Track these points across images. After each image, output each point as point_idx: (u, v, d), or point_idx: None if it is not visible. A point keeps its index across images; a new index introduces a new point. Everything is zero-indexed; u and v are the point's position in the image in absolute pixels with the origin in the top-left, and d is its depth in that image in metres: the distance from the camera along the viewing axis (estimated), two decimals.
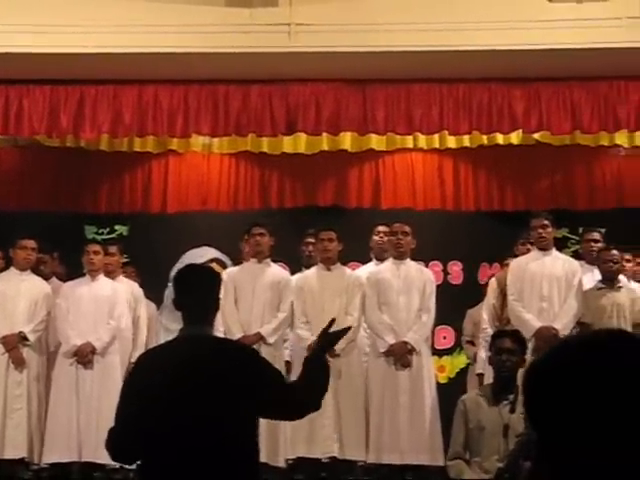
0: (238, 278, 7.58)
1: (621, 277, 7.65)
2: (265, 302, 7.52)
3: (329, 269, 7.61)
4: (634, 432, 1.33)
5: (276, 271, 7.76)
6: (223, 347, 3.75)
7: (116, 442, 3.47)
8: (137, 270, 8.69)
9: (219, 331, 6.40)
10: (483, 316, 7.79)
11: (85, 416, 7.35)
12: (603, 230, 8.23)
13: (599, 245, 7.93)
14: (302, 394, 3.60)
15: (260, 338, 7.31)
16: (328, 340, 3.78)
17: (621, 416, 1.34)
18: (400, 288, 7.49)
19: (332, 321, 3.77)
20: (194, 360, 3.44)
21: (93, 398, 7.39)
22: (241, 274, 7.65)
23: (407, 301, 7.46)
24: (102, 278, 7.81)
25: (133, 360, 7.43)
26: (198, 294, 3.62)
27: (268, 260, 7.73)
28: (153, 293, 8.39)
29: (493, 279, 7.98)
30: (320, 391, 3.64)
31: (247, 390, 3.41)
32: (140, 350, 7.43)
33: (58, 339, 7.64)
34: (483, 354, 7.16)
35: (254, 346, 6.93)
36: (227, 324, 7.32)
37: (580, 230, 8.85)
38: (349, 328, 4.09)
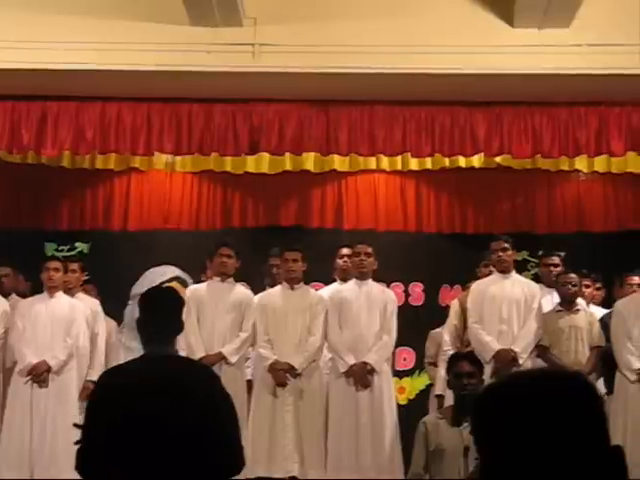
0: (201, 297, 7.54)
1: (579, 300, 7.72)
2: (228, 321, 7.49)
3: (293, 288, 7.60)
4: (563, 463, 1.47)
5: (239, 290, 7.74)
6: (188, 368, 3.76)
7: (86, 464, 3.45)
8: (97, 288, 8.63)
9: (182, 349, 6.36)
10: (445, 337, 7.81)
11: (39, 434, 7.27)
12: (562, 254, 8.30)
13: (558, 269, 8.00)
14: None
15: (222, 358, 7.27)
16: None
17: (552, 451, 1.48)
18: (361, 308, 7.49)
19: None
20: (160, 380, 3.45)
21: (48, 416, 7.31)
22: (204, 293, 7.61)
23: (368, 321, 7.47)
24: (60, 295, 7.74)
25: (89, 378, 7.40)
26: (163, 315, 3.68)
27: (231, 279, 7.72)
28: (114, 311, 8.33)
29: (455, 301, 8.01)
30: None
31: (207, 412, 3.40)
32: (98, 368, 7.38)
33: (14, 357, 7.56)
34: (444, 375, 7.18)
35: (216, 365, 6.93)
36: (189, 343, 7.28)
37: (540, 253, 8.92)
38: None
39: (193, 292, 7.60)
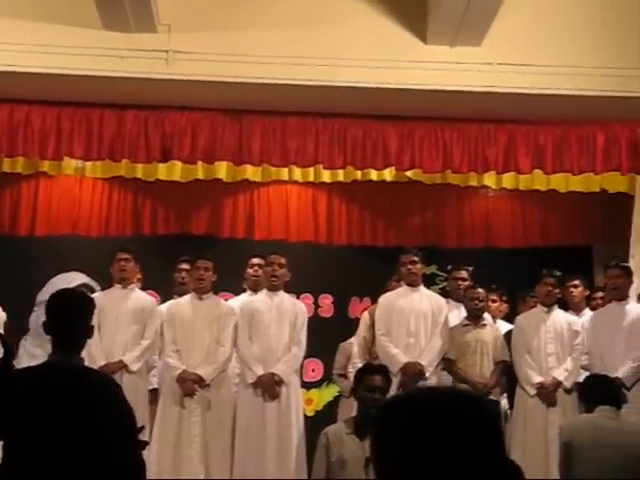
0: (101, 304, 7.40)
1: (486, 315, 7.84)
2: (129, 329, 7.41)
3: (201, 298, 7.55)
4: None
5: (141, 297, 7.67)
6: (89, 379, 3.64)
7: None
8: (2, 293, 8.43)
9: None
10: (354, 349, 7.85)
11: None
12: (470, 268, 8.41)
13: (466, 283, 8.11)
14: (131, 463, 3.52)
15: (123, 366, 7.19)
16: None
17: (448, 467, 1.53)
18: (272, 319, 7.49)
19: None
20: (58, 391, 3.37)
21: None
22: (105, 300, 7.44)
23: (278, 332, 7.47)
24: None
25: None
26: (71, 320, 3.57)
27: (133, 286, 7.63)
28: (18, 317, 8.16)
29: (366, 313, 8.05)
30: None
31: (106, 423, 3.35)
32: None
33: None
34: None
35: (117, 374, 6.83)
36: (89, 351, 7.16)
37: (449, 267, 9.04)
38: None
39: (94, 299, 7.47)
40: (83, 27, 7.37)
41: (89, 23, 7.29)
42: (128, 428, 3.53)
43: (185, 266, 8.03)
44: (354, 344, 7.94)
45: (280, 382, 7.30)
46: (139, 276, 8.17)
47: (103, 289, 8.09)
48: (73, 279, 9.32)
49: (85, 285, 9.28)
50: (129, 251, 7.65)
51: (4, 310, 7.96)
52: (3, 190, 9.80)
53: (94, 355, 7.14)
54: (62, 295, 3.79)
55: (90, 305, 3.79)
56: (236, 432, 7.31)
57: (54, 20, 7.36)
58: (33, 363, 3.78)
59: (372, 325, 7.72)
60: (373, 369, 5.88)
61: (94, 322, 7.06)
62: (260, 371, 7.29)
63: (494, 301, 8.46)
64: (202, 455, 7.18)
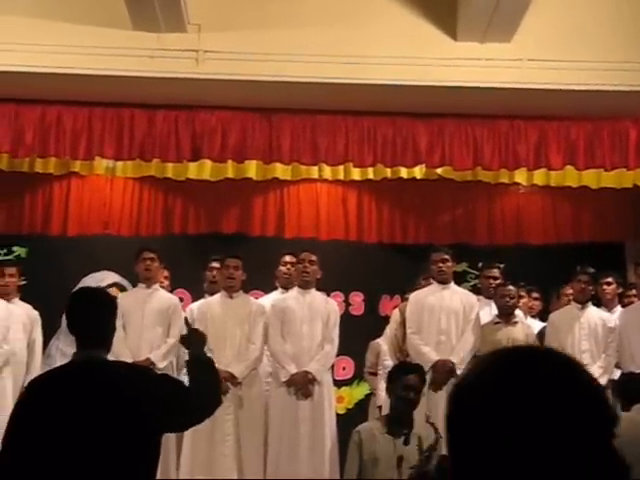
0: (126, 304, 7.46)
1: (517, 312, 7.80)
2: (154, 327, 7.45)
3: (232, 297, 7.57)
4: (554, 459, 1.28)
5: (165, 296, 7.73)
6: (116, 372, 3.63)
7: (2, 468, 3.37)
8: (35, 293, 8.50)
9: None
10: (383, 347, 7.84)
11: None
12: (502, 266, 8.38)
13: (497, 281, 8.07)
14: (200, 394, 3.58)
15: (150, 364, 7.22)
16: (191, 341, 3.81)
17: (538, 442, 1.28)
18: (304, 317, 7.49)
19: (186, 320, 4.02)
20: (87, 387, 3.37)
21: None
22: (129, 300, 7.55)
23: (310, 331, 7.47)
24: None
25: (26, 385, 7.28)
26: (91, 317, 3.56)
27: (157, 285, 7.68)
28: (50, 317, 8.22)
29: (395, 311, 8.04)
30: (214, 385, 3.68)
31: (148, 411, 3.35)
32: (35, 375, 7.27)
33: None
34: (383, 386, 7.21)
35: None
36: (115, 351, 7.18)
37: (479, 265, 8.99)
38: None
39: (118, 300, 7.51)
40: (113, 28, 7.40)
41: (119, 24, 7.32)
42: (177, 388, 3.56)
43: (215, 265, 8.05)
44: (384, 342, 7.93)
45: (313, 380, 7.30)
46: (166, 274, 8.21)
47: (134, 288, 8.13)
48: (104, 278, 9.42)
49: (116, 284, 9.37)
50: (154, 251, 7.70)
51: (37, 309, 8.03)
52: (36, 190, 9.88)
53: (120, 354, 7.17)
54: (80, 294, 3.81)
55: (111, 302, 3.78)
56: (269, 431, 7.32)
57: (84, 21, 7.40)
58: (65, 362, 3.79)
59: (402, 323, 7.70)
60: (409, 368, 5.87)
61: (119, 322, 7.22)
62: (293, 369, 7.30)
63: (521, 297, 8.41)
64: (235, 453, 7.20)
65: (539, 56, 7.49)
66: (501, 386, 1.32)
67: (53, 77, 7.39)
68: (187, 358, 3.87)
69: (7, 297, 7.80)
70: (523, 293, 8.44)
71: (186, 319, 4.03)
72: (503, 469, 1.28)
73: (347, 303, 9.97)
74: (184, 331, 4.02)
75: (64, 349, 7.85)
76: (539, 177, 9.19)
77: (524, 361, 1.36)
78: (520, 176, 9.25)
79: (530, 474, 1.27)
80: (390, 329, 7.86)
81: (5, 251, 9.78)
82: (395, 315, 7.93)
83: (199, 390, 3.57)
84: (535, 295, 8.78)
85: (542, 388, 1.30)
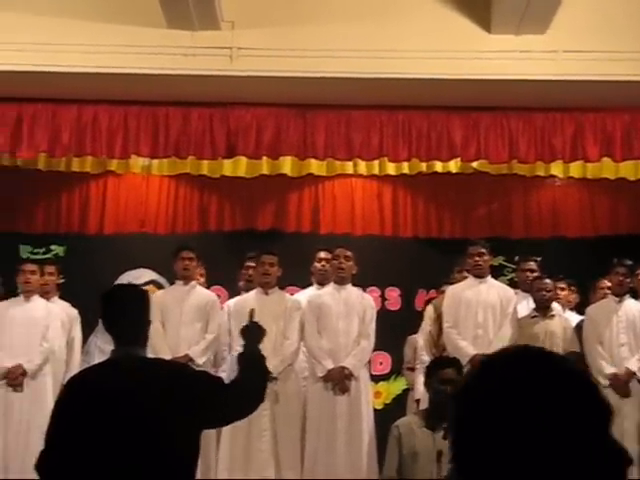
0: (165, 301, 7.53)
1: (555, 305, 7.75)
2: (193, 324, 7.49)
3: (267, 293, 7.59)
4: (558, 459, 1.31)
5: (203, 292, 7.78)
6: (154, 368, 3.64)
7: (46, 465, 3.40)
8: (73, 291, 8.57)
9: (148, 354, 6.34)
10: (419, 342, 7.82)
11: (14, 438, 7.24)
12: (538, 259, 8.33)
13: (534, 274, 8.02)
14: (244, 390, 3.59)
15: (189, 360, 7.26)
16: (250, 334, 3.84)
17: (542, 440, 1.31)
18: (340, 313, 7.49)
19: (252, 312, 3.98)
20: (126, 383, 3.39)
21: (23, 420, 7.28)
22: (167, 297, 7.64)
23: (347, 326, 7.47)
24: (36, 299, 7.70)
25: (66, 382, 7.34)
26: (125, 315, 3.58)
27: (194, 283, 7.73)
28: (88, 315, 8.29)
29: (430, 306, 8.01)
30: (262, 382, 3.70)
31: (187, 407, 3.36)
32: (74, 372, 7.33)
33: None
34: (421, 380, 7.19)
35: None
36: (154, 347, 7.25)
37: (516, 258, 8.95)
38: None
39: (156, 297, 7.57)
40: (147, 26, 7.44)
41: (153, 22, 7.36)
42: (215, 384, 3.57)
43: (251, 264, 8.07)
44: (419, 337, 7.91)
45: (350, 376, 7.30)
46: (202, 271, 8.25)
47: (171, 285, 8.18)
48: (141, 276, 9.48)
49: (153, 282, 9.43)
50: (192, 250, 7.75)
51: (74, 308, 8.10)
52: (73, 190, 9.98)
53: (160, 351, 7.23)
54: (111, 292, 3.82)
55: (144, 298, 3.77)
56: (306, 426, 7.32)
57: (119, 20, 7.45)
58: (103, 359, 3.82)
59: (437, 318, 7.68)
60: (446, 362, 5.85)
61: (158, 319, 7.27)
62: (330, 365, 7.30)
63: (562, 289, 8.35)
64: (272, 448, 7.21)
65: (574, 47, 7.43)
66: (497, 387, 1.36)
67: (89, 77, 7.45)
68: (239, 351, 3.90)
69: (46, 296, 7.88)
70: (564, 285, 8.38)
71: (251, 311, 4.03)
72: (505, 466, 1.32)
73: (383, 298, 9.95)
74: (240, 321, 4.04)
75: (102, 346, 7.91)
76: (575, 169, 9.14)
77: (517, 362, 1.40)
78: (556, 169, 9.20)
79: (532, 468, 1.31)
80: (424, 325, 7.84)
81: (43, 250, 9.88)
82: (429, 311, 7.90)
83: (245, 386, 3.58)
84: (572, 288, 8.72)
85: (537, 386, 1.34)
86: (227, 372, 7.77)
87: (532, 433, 1.31)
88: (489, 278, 7.68)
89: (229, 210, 10.01)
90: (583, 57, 7.42)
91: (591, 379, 1.41)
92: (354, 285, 7.81)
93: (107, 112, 8.03)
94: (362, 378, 7.44)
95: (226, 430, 7.11)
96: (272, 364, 7.19)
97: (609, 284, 7.84)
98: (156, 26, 7.39)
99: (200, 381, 3.54)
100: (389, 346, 9.00)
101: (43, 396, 7.35)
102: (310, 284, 8.35)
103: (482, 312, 7.45)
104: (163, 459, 3.28)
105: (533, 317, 7.59)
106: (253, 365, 3.68)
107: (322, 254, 8.18)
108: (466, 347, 7.30)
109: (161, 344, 7.26)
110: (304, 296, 7.96)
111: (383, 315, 9.03)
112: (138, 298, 3.74)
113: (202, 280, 8.29)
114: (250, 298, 7.64)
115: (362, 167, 9.49)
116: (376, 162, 9.10)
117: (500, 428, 1.33)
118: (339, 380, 7.27)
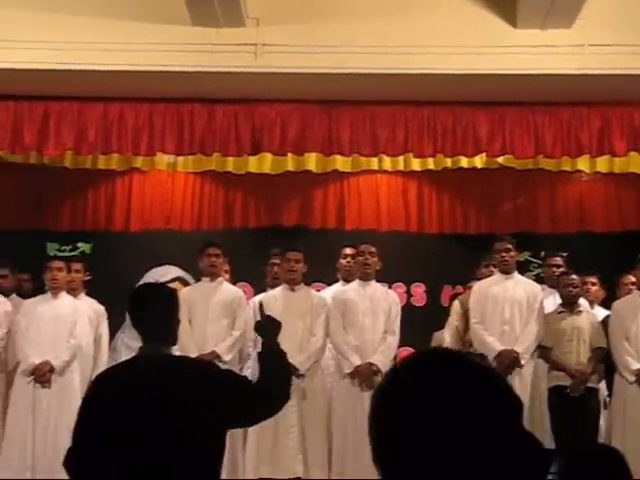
0: (191, 298, 7.52)
1: (582, 301, 7.69)
2: (219, 320, 7.50)
3: (293, 290, 7.59)
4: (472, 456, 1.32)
5: (229, 289, 7.77)
6: (181, 366, 3.66)
7: (74, 462, 3.42)
8: (99, 288, 8.61)
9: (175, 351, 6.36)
10: (446, 338, 7.80)
11: (41, 435, 7.28)
12: (565, 254, 8.28)
13: (561, 269, 7.98)
14: (270, 389, 3.58)
15: (216, 356, 7.26)
16: (266, 329, 3.80)
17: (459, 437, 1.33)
18: (366, 309, 7.49)
19: (261, 305, 3.98)
20: (152, 381, 3.40)
21: (50, 417, 7.32)
22: (194, 293, 7.62)
23: (373, 323, 7.46)
24: (64, 295, 7.74)
25: (93, 379, 7.38)
26: (153, 312, 3.59)
27: (220, 279, 7.73)
28: (115, 311, 8.33)
29: (456, 301, 7.99)
30: (285, 380, 3.68)
31: (212, 406, 3.37)
32: (102, 369, 7.37)
33: (17, 357, 7.55)
34: None
35: None
36: (182, 344, 7.25)
37: (542, 254, 8.91)
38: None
39: (182, 294, 7.58)
40: (172, 24, 7.46)
41: (178, 19, 7.38)
42: (242, 384, 3.57)
43: (277, 260, 8.07)
44: (445, 333, 7.89)
45: (377, 372, 7.29)
46: (227, 268, 8.27)
47: (197, 282, 8.20)
48: (167, 272, 9.50)
49: (179, 278, 9.45)
50: (219, 246, 7.75)
51: (101, 304, 8.14)
52: (99, 187, 10.03)
53: (186, 347, 7.24)
54: (139, 291, 3.83)
55: (172, 296, 3.78)
56: (333, 422, 7.32)
57: (144, 18, 7.47)
58: (131, 355, 3.83)
59: (464, 314, 7.66)
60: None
61: (184, 315, 7.28)
62: (357, 361, 7.29)
63: (593, 284, 8.27)
64: (299, 445, 7.22)
65: (601, 41, 7.39)
66: (406, 388, 1.40)
67: (114, 74, 7.48)
68: (259, 349, 3.88)
69: (73, 292, 7.92)
70: (594, 280, 8.30)
71: (261, 304, 4.01)
72: (419, 465, 1.35)
73: (409, 294, 9.94)
74: (257, 317, 4.02)
75: (129, 343, 7.93)
76: (602, 164, 9.09)
77: (426, 363, 1.43)
78: (583, 163, 9.15)
79: (444, 467, 1.33)
80: (451, 320, 7.82)
81: (70, 247, 9.94)
82: (455, 307, 7.88)
83: (268, 385, 3.57)
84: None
85: (444, 386, 1.36)
86: (252, 368, 7.80)
87: (441, 433, 1.33)
88: (516, 274, 7.65)
89: (254, 207, 10.03)
90: (609, 51, 7.38)
91: (499, 376, 1.43)
92: (379, 281, 7.81)
93: (133, 110, 8.07)
94: None
95: (253, 429, 7.11)
96: (299, 361, 7.22)
97: (634, 279, 7.78)
98: (181, 23, 7.41)
99: (226, 380, 3.54)
100: (414, 342, 8.94)
101: (70, 393, 7.38)
102: (336, 280, 8.35)
103: (509, 308, 7.42)
104: (188, 457, 3.29)
105: (560, 313, 7.55)
106: (275, 363, 3.66)
107: (347, 250, 8.18)
108: (493, 343, 7.28)
109: (188, 341, 7.27)
110: (329, 293, 7.96)
111: (408, 311, 9.02)
112: (165, 296, 3.75)
113: (227, 276, 8.31)
114: (276, 295, 7.64)
115: (387, 163, 9.48)
116: (401, 158, 9.08)
117: (411, 429, 1.36)
118: (367, 376, 7.27)
